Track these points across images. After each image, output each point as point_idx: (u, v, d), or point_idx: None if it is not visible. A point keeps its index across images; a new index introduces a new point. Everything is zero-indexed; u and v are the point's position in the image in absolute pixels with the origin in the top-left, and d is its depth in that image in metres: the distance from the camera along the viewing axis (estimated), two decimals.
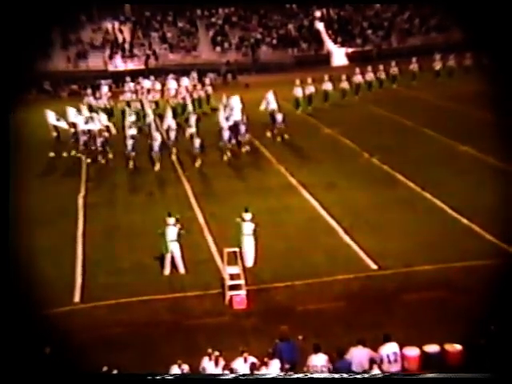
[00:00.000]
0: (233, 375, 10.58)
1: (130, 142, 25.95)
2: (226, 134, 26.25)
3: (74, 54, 49.33)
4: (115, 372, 10.92)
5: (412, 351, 11.24)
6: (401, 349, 11.25)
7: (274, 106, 29.15)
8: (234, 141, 26.88)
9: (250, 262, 16.72)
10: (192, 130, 26.21)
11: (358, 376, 9.84)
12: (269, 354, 11.50)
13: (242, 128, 27.30)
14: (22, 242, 18.60)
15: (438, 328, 12.56)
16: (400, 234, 17.99)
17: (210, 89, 37.78)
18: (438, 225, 18.38)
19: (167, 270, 16.57)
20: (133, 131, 26.86)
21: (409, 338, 11.85)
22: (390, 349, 11.18)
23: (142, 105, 32.53)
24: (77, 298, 15.59)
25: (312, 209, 20.53)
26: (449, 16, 45.25)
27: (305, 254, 17.26)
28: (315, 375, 10.31)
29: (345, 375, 9.58)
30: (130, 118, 28.62)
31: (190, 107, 32.95)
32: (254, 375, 10.38)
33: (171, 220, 16.54)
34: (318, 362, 11.05)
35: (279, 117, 28.69)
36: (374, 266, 16.41)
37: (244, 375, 10.40)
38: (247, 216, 16.78)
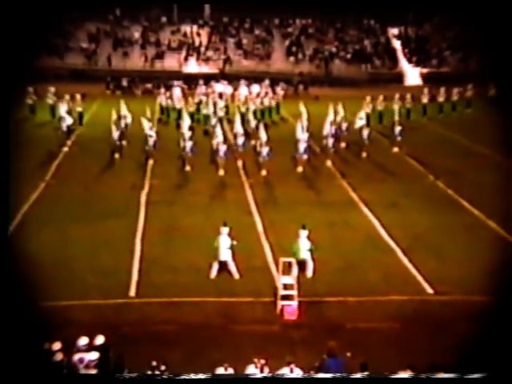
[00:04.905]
0: (234, 376, 10.63)
1: (188, 144, 26.14)
2: (303, 146, 26.08)
3: (152, 53, 50.51)
4: (163, 368, 11.11)
5: None
6: None
7: (363, 122, 29.52)
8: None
9: (309, 272, 16.71)
10: (262, 138, 26.17)
11: (358, 376, 9.68)
12: (314, 368, 11.45)
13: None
14: (85, 233, 19.22)
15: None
16: (460, 261, 17.60)
17: (280, 98, 37.98)
18: (501, 255, 17.87)
19: (213, 274, 16.65)
20: (190, 133, 27.03)
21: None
22: None
23: (215, 108, 32.91)
24: (132, 293, 15.87)
25: (371, 226, 20.34)
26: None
27: (360, 271, 17.11)
28: (316, 375, 10.21)
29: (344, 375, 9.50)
30: (187, 120, 28.91)
31: (259, 115, 33.27)
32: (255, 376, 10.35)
33: (225, 230, 16.65)
34: None
35: (365, 133, 28.75)
36: (430, 291, 16.13)
37: (244, 375, 10.41)
38: (303, 233, 16.66)
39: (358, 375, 9.89)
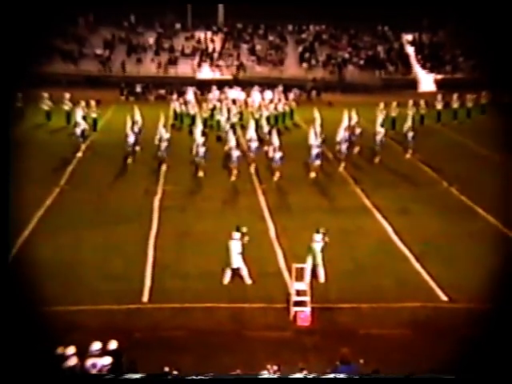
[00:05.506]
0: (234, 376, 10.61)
1: (201, 150, 26.14)
2: (315, 152, 26.07)
3: (165, 60, 50.75)
4: (175, 373, 11.11)
5: None
6: None
7: (378, 129, 29.48)
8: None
9: (321, 278, 16.71)
10: (275, 143, 26.21)
11: (357, 377, 9.65)
12: (327, 374, 11.39)
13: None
14: (98, 238, 19.29)
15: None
16: (474, 268, 17.45)
17: (293, 104, 38.03)
18: None
19: (226, 280, 16.69)
20: (203, 139, 27.06)
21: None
22: None
23: (229, 114, 32.97)
24: (145, 298, 15.88)
25: (384, 232, 20.27)
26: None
27: (373, 277, 17.05)
28: (316, 376, 10.19)
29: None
30: (199, 126, 28.92)
31: (272, 121, 33.25)
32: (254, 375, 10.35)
33: (237, 234, 16.65)
34: None
35: (378, 138, 28.75)
36: (445, 298, 16.04)
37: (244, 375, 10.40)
38: (317, 237, 16.69)
39: (356, 376, 9.87)
